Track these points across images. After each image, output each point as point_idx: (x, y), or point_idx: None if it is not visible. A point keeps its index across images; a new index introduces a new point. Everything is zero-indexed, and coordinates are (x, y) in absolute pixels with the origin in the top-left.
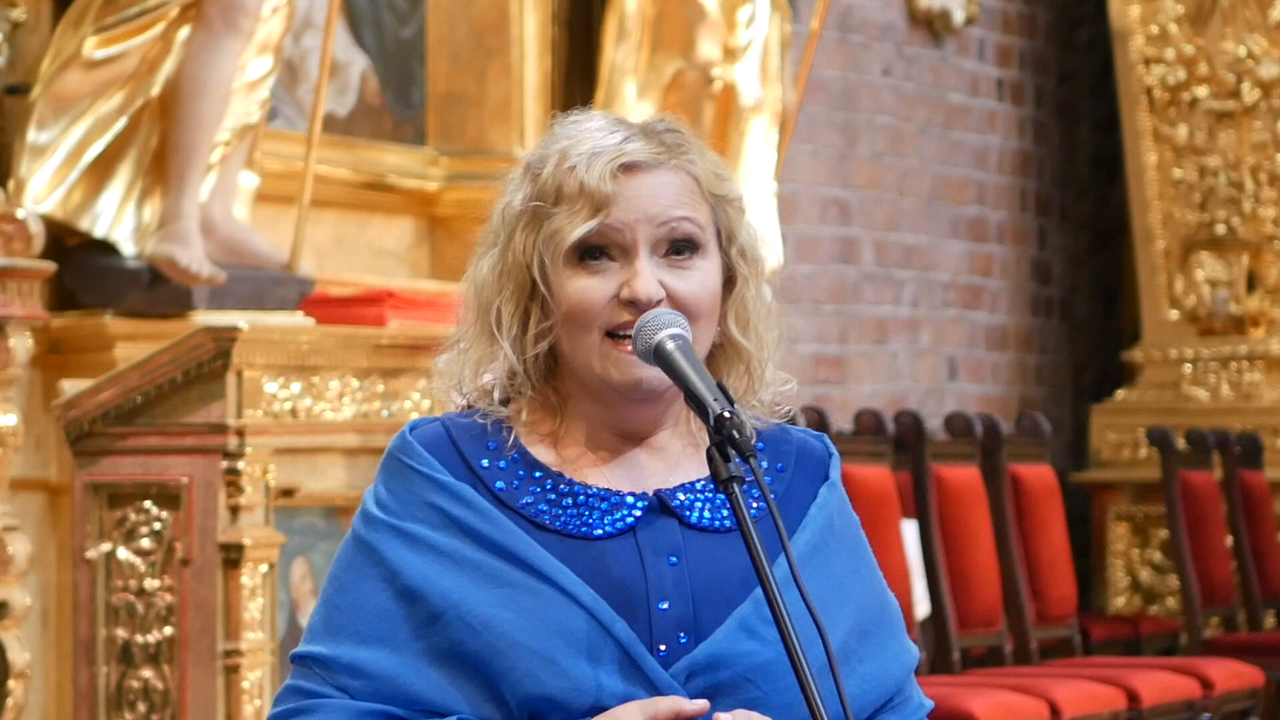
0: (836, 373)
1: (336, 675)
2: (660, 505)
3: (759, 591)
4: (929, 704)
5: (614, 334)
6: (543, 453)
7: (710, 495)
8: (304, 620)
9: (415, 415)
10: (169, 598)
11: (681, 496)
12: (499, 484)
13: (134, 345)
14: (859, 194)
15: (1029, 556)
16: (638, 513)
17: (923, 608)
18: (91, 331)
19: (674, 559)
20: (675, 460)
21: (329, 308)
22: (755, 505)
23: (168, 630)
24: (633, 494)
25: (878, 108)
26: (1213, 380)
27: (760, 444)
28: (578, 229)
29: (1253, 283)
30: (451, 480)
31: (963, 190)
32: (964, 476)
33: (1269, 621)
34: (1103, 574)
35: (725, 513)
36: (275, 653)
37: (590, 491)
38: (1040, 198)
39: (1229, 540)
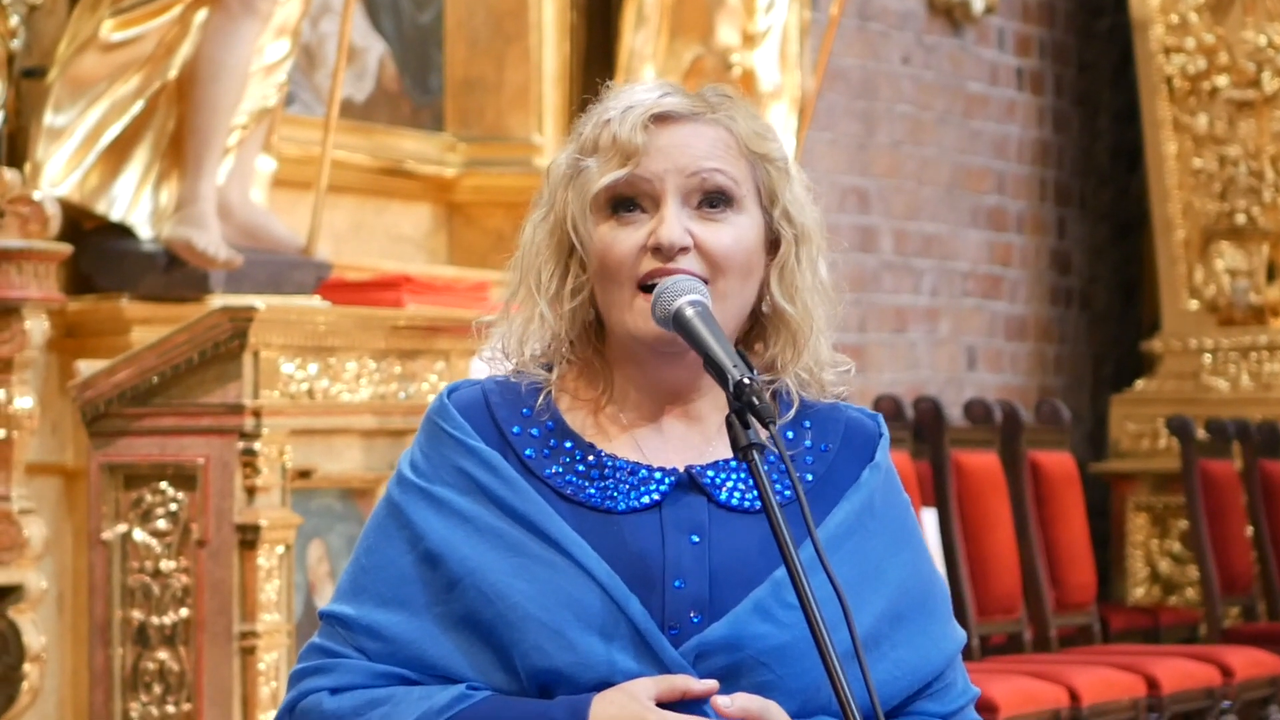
0: (855, 361)
1: (356, 636)
2: (690, 482)
3: (778, 574)
4: (975, 691)
5: (645, 287)
6: (579, 420)
7: (743, 474)
8: (321, 603)
9: (432, 399)
10: (185, 579)
11: (712, 474)
12: (528, 452)
13: (150, 329)
14: (878, 182)
15: (1048, 544)
16: (664, 488)
17: None
18: (108, 315)
19: (696, 537)
20: (712, 435)
21: (346, 292)
22: (783, 488)
23: (184, 612)
24: (662, 469)
25: (897, 96)
26: (1233, 370)
27: (808, 421)
28: (605, 178)
29: (1273, 272)
30: (482, 446)
31: (982, 180)
32: (983, 463)
33: None
34: (1122, 565)
35: (756, 493)
36: (292, 634)
37: (619, 464)
38: (1060, 187)
39: (1249, 530)
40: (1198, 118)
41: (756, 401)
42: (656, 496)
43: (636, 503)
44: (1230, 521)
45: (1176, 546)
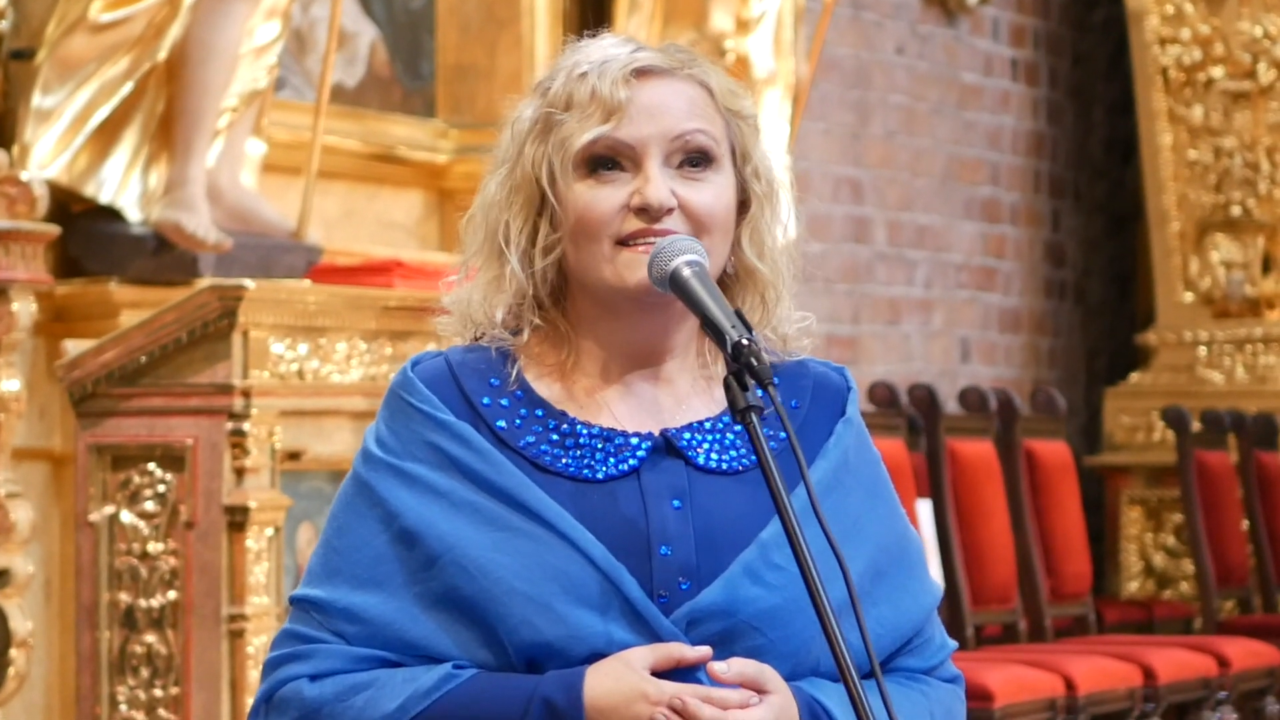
0: (849, 353)
1: (333, 620)
2: (667, 445)
3: (765, 535)
4: (952, 644)
5: (623, 242)
6: (547, 388)
7: (719, 435)
8: None
9: None
10: (173, 561)
11: (689, 436)
12: (500, 423)
13: (139, 313)
14: (872, 173)
15: (1044, 533)
16: (642, 454)
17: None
18: (96, 299)
19: (678, 502)
20: (684, 396)
21: (337, 277)
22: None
23: (171, 595)
24: (637, 434)
25: (891, 86)
26: (1227, 363)
27: (776, 379)
28: (588, 133)
29: (1268, 265)
30: (452, 419)
31: (976, 171)
32: (978, 452)
33: None
34: (1116, 558)
35: (734, 454)
36: (281, 618)
37: (594, 431)
38: (1054, 179)
39: (1244, 522)
40: (1193, 109)
41: (755, 362)
42: (634, 462)
43: (615, 470)
44: (1226, 513)
45: (1171, 540)
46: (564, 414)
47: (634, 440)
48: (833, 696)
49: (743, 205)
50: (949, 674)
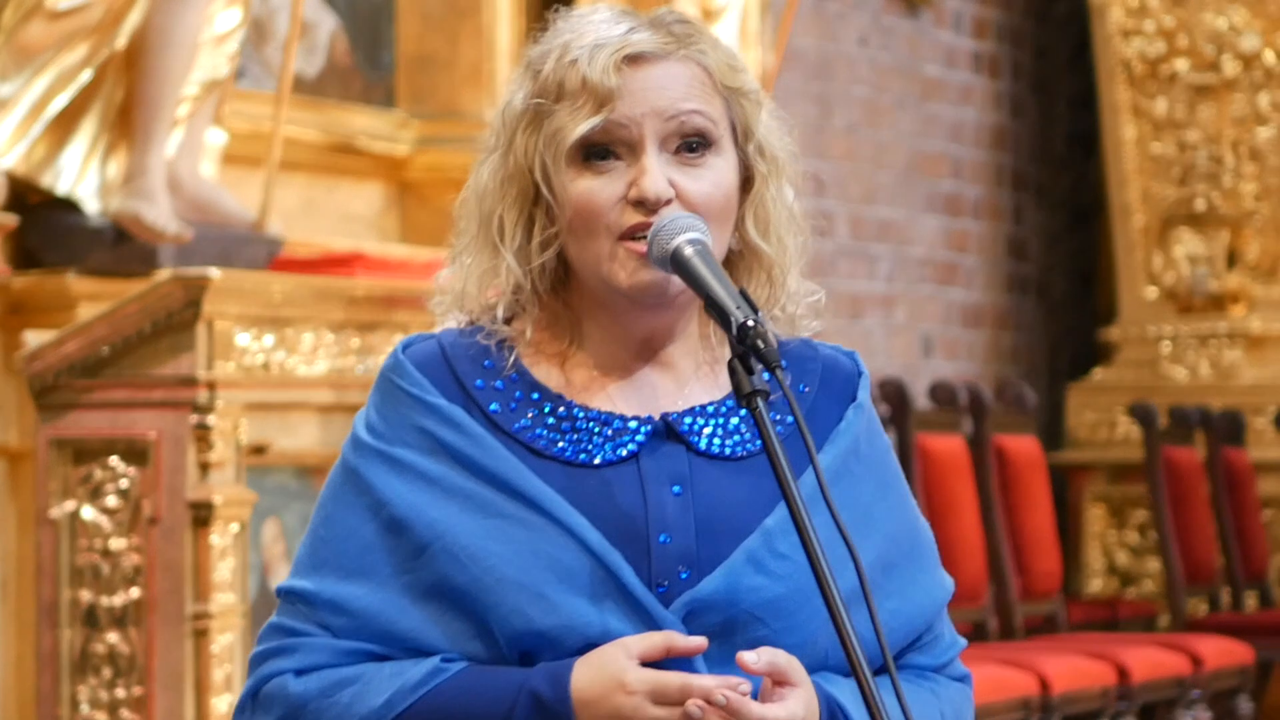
0: None
1: (319, 612)
2: (667, 430)
3: (769, 523)
4: (962, 642)
5: (624, 237)
6: (545, 373)
7: (722, 420)
8: (276, 582)
9: None
10: (136, 558)
11: (690, 421)
12: (493, 406)
13: (98, 305)
14: (834, 166)
15: (1014, 530)
16: (641, 438)
17: None
18: (54, 291)
19: (678, 488)
20: (686, 380)
21: (298, 269)
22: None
23: (134, 592)
24: (636, 418)
25: (854, 79)
26: (1191, 359)
27: (784, 361)
28: (580, 126)
29: (1233, 259)
30: (443, 402)
31: (939, 165)
32: (949, 447)
33: (1251, 602)
34: (1078, 556)
35: (737, 439)
36: (246, 615)
37: (591, 415)
38: (1017, 173)
39: (1212, 519)
40: (1156, 102)
41: (762, 345)
42: (634, 447)
43: (613, 455)
44: (1193, 511)
45: (1134, 538)
46: (560, 397)
47: (633, 424)
48: (847, 695)
49: (746, 183)
50: (958, 672)
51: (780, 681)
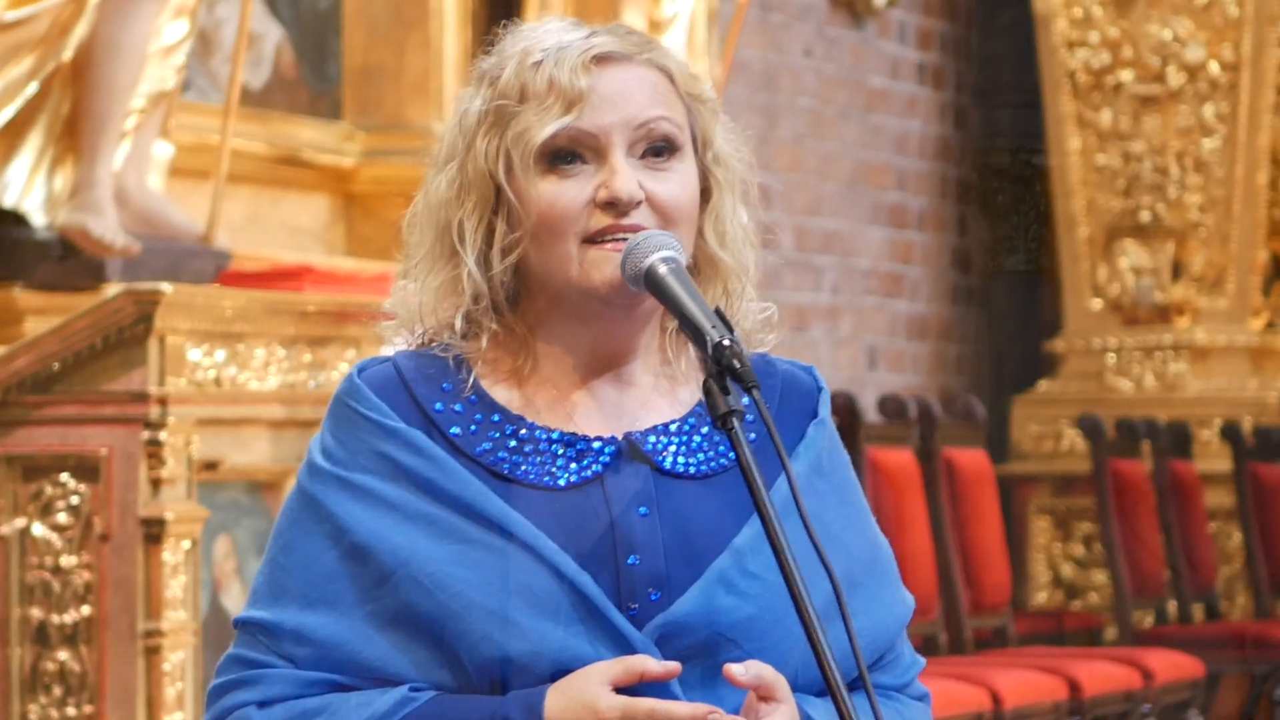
0: None
1: (280, 643)
2: (630, 449)
3: (738, 542)
4: (921, 661)
5: (590, 240)
6: (503, 393)
7: (685, 438)
8: (227, 600)
9: None
10: (87, 575)
11: (654, 440)
12: (454, 429)
13: (45, 320)
14: (779, 177)
15: (964, 543)
16: (605, 459)
17: None
18: (0, 305)
19: (644, 509)
20: (646, 397)
21: (246, 282)
22: (727, 449)
23: (85, 610)
24: (600, 438)
25: (799, 89)
26: (1136, 370)
27: None
28: (549, 126)
29: (1178, 271)
30: (402, 426)
31: (883, 175)
32: (898, 461)
33: (1198, 614)
34: (1024, 569)
35: (701, 456)
36: (198, 633)
37: (554, 436)
38: (961, 184)
39: (1158, 531)
40: (1101, 113)
41: (738, 365)
42: (598, 468)
43: (577, 477)
44: (1140, 523)
45: (1080, 550)
46: (522, 419)
47: (596, 445)
48: (822, 715)
49: (704, 193)
50: (918, 692)
51: (766, 696)
